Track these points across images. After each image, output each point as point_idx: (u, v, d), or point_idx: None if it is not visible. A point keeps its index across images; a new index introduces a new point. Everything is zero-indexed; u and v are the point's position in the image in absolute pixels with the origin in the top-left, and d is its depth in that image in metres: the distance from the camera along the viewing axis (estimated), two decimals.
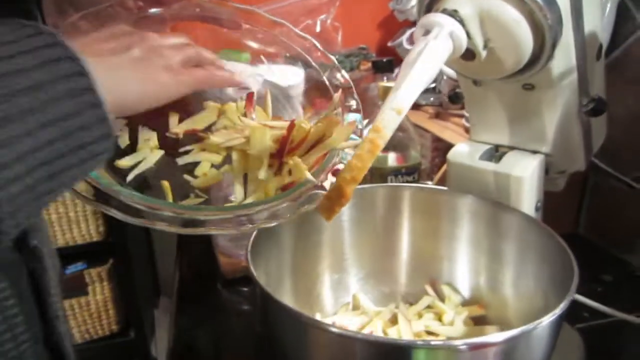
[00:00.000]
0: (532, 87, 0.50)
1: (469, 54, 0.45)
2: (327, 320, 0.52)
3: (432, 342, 0.33)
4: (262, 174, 0.40)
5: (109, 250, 1.36)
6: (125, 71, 0.33)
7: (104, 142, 0.28)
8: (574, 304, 0.37)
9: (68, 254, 1.32)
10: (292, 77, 0.57)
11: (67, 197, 1.26)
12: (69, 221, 1.30)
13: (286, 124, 0.40)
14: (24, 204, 0.25)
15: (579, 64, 0.49)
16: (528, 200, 0.53)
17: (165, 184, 0.41)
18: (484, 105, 0.57)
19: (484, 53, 0.45)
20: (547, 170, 0.57)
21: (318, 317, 0.53)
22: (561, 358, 0.49)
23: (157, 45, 0.35)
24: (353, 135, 0.43)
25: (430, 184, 0.81)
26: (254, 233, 0.44)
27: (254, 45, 0.57)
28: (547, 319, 0.34)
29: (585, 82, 0.50)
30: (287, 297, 0.49)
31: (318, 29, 1.15)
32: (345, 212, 0.54)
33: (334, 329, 0.35)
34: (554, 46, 0.45)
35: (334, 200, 0.34)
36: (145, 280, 1.60)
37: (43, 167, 0.25)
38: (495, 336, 0.33)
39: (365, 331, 0.50)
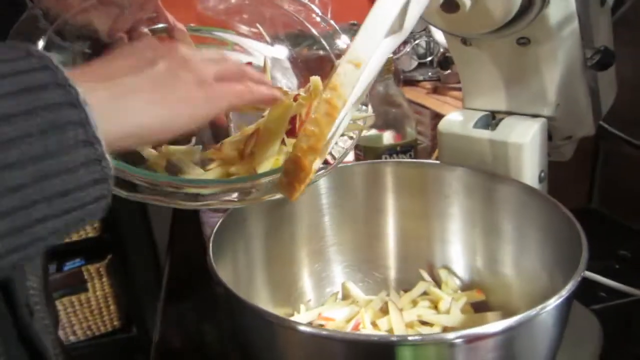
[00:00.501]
0: (528, 41, 0.44)
1: (452, 4, 0.39)
2: (312, 313, 0.47)
3: (410, 338, 0.28)
4: (275, 148, 0.37)
5: (107, 245, 1.34)
6: (143, 94, 0.26)
7: (93, 190, 0.22)
8: (588, 283, 0.32)
9: (65, 251, 1.31)
10: (277, 53, 0.54)
11: None
12: None
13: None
14: None
15: (580, 11, 0.43)
16: (530, 169, 0.47)
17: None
18: (476, 68, 0.51)
19: (467, 2, 0.39)
20: (551, 136, 0.51)
21: (303, 310, 0.48)
22: (576, 343, 0.44)
23: (187, 59, 0.30)
24: None
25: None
26: (217, 226, 0.39)
27: (241, 26, 0.54)
28: (553, 302, 0.29)
29: (588, 31, 0.44)
30: (262, 294, 0.44)
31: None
32: (324, 195, 0.49)
33: (305, 329, 0.30)
34: None
35: (292, 175, 0.29)
36: (146, 275, 1.57)
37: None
38: (491, 326, 0.28)
39: (352, 323, 0.45)
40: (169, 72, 0.28)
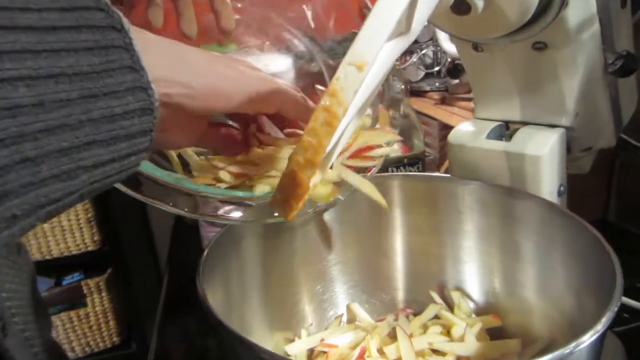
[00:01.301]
0: (545, 45, 0.41)
1: (462, 5, 0.36)
2: (314, 339, 0.44)
3: None
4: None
5: (107, 259, 1.31)
6: (200, 54, 0.26)
7: (139, 121, 0.20)
8: None
9: (64, 265, 1.28)
10: (279, 64, 0.52)
11: None
12: (63, 230, 1.25)
13: None
14: (21, 186, 0.17)
15: (601, 12, 0.39)
16: (548, 183, 0.44)
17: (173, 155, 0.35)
18: (488, 75, 0.48)
19: (480, 3, 0.36)
20: (569, 148, 0.48)
21: (304, 335, 0.45)
22: None
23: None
24: None
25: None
26: (210, 244, 0.36)
27: (246, 38, 0.52)
28: (589, 339, 0.26)
29: (609, 35, 0.41)
30: (257, 319, 0.40)
31: (309, 15, 1.08)
32: (325, 212, 0.45)
33: None
34: None
35: (288, 191, 0.26)
36: (147, 290, 1.54)
37: (53, 155, 0.17)
38: None
39: (357, 351, 0.41)
40: (226, 57, 0.27)
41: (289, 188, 0.26)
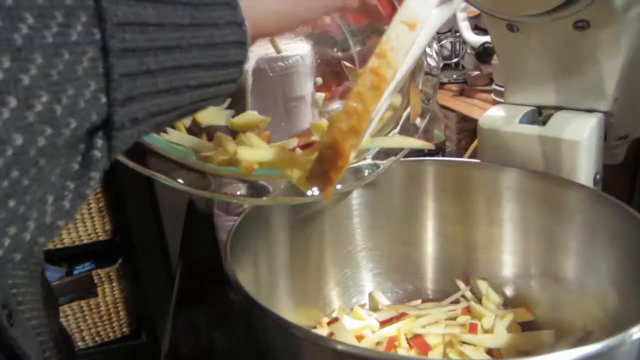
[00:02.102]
0: (587, 24, 0.39)
1: None
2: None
3: None
4: None
5: (118, 249, 1.31)
6: None
7: (234, 52, 0.22)
8: None
9: (75, 254, 1.28)
10: (298, 49, 0.50)
11: None
12: (74, 219, 1.25)
13: None
14: (142, 94, 0.19)
15: None
16: (585, 170, 0.42)
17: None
18: (522, 57, 0.46)
19: None
20: (606, 135, 0.46)
21: (325, 322, 0.43)
22: None
23: None
24: None
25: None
26: (234, 225, 0.35)
27: None
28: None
29: None
30: (284, 301, 0.39)
31: None
32: (355, 195, 0.44)
33: (337, 346, 0.25)
34: None
35: (328, 162, 0.25)
36: (157, 280, 1.54)
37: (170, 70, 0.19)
38: (565, 354, 0.23)
39: (379, 338, 0.40)
40: None
41: (329, 159, 0.25)
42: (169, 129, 0.35)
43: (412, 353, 0.37)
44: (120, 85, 0.17)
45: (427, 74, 0.42)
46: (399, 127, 0.39)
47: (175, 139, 0.34)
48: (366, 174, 0.37)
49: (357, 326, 0.41)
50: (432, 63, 0.40)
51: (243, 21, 0.23)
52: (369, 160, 0.37)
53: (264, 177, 0.34)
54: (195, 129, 0.38)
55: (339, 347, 0.24)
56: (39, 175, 0.16)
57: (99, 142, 0.18)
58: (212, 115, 0.38)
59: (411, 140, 0.37)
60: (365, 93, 0.22)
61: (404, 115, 0.39)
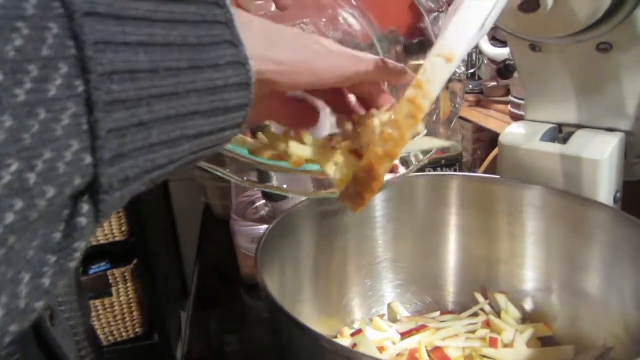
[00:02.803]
0: (610, 47, 0.40)
1: (531, 4, 0.36)
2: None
3: None
4: None
5: (133, 250, 1.33)
6: (293, 34, 0.25)
7: (236, 95, 0.21)
8: None
9: (91, 254, 1.29)
10: None
11: None
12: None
13: None
14: (134, 150, 0.17)
15: None
16: (606, 189, 0.42)
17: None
18: (544, 76, 0.47)
19: (550, 1, 0.35)
20: (626, 153, 0.47)
21: (346, 332, 0.44)
22: None
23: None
24: None
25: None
26: (265, 234, 0.36)
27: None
28: None
29: None
30: (307, 309, 0.40)
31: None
32: (379, 207, 0.45)
33: (363, 359, 0.26)
34: None
35: (362, 184, 0.26)
36: (171, 282, 1.56)
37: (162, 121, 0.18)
38: None
39: (400, 350, 0.41)
40: (312, 33, 0.28)
41: (364, 181, 0.26)
42: None
43: None
44: (108, 143, 0.16)
45: (453, 79, 0.43)
46: (426, 131, 0.40)
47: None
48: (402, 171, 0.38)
49: (378, 338, 0.42)
50: (459, 70, 0.41)
51: (247, 60, 0.21)
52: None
53: (308, 173, 0.36)
54: None
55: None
56: (8, 255, 0.14)
57: (85, 207, 0.16)
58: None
59: (437, 141, 0.38)
60: (402, 121, 0.23)
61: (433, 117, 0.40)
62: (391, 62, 0.30)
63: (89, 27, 0.15)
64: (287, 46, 0.25)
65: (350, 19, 0.49)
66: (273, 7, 0.48)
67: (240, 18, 0.22)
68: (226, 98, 0.20)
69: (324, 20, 0.50)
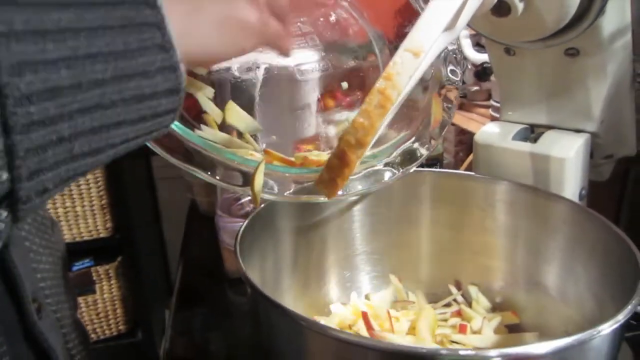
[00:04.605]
0: (577, 52, 0.43)
1: (503, 8, 0.38)
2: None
3: (461, 352, 0.26)
4: None
5: (117, 247, 1.32)
6: (211, 11, 0.25)
7: (166, 101, 0.20)
8: None
9: (74, 250, 1.29)
10: (304, 59, 0.52)
11: (74, 190, 1.23)
12: (76, 216, 1.26)
13: None
14: (54, 163, 0.17)
15: (635, 23, 0.41)
16: (571, 185, 0.45)
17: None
18: (517, 79, 0.49)
19: (520, 6, 0.37)
20: (592, 154, 0.49)
21: (323, 322, 0.46)
22: None
23: None
24: None
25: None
26: (244, 224, 0.38)
27: None
28: (609, 327, 0.27)
29: None
30: (286, 299, 0.42)
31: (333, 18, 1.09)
32: (356, 201, 0.47)
33: (340, 335, 0.28)
34: None
35: (335, 170, 0.28)
36: (155, 279, 1.55)
37: (80, 114, 0.17)
38: (540, 346, 0.26)
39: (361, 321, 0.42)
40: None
41: (337, 168, 0.28)
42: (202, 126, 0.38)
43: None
44: (26, 161, 0.16)
45: (449, 84, 0.45)
46: (414, 137, 0.42)
47: (207, 135, 0.37)
48: (386, 178, 0.40)
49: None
50: (456, 77, 0.43)
51: (178, 65, 0.20)
52: (388, 168, 0.40)
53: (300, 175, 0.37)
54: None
55: (342, 336, 0.27)
56: None
57: (3, 213, 0.16)
58: (238, 117, 0.40)
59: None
60: (372, 111, 0.25)
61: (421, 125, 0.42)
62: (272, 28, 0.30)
63: (4, 50, 0.15)
64: (207, 32, 0.24)
65: (346, 16, 0.51)
66: None
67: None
68: (154, 105, 0.20)
69: (321, 19, 0.51)
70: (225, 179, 0.35)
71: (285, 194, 0.36)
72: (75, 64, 0.16)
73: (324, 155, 0.37)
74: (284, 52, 0.32)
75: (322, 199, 0.36)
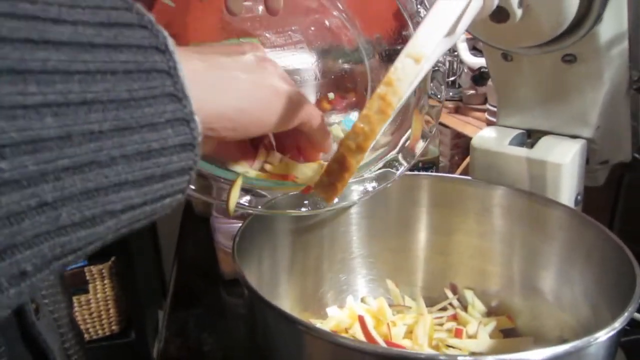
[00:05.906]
0: (574, 58, 0.43)
1: (502, 14, 0.38)
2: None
3: (460, 358, 0.26)
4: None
5: (111, 246, 1.31)
6: (239, 74, 0.23)
7: (177, 158, 0.18)
8: None
9: None
10: (301, 63, 0.52)
11: None
12: None
13: None
14: (34, 237, 0.14)
15: (632, 31, 0.41)
16: (567, 191, 0.45)
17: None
18: (514, 84, 0.50)
19: (519, 12, 0.38)
20: (588, 159, 0.49)
21: (319, 326, 0.46)
22: None
23: (268, 57, 0.27)
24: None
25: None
26: (242, 226, 0.38)
27: (265, 34, 0.53)
28: (605, 335, 0.27)
29: (637, 52, 0.43)
30: (283, 302, 0.42)
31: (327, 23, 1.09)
32: (354, 205, 0.47)
33: (339, 339, 0.28)
34: (604, 4, 0.37)
35: (335, 175, 0.28)
36: (149, 280, 1.55)
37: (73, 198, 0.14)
38: (537, 353, 0.26)
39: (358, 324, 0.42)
40: (257, 61, 0.25)
41: (337, 172, 0.28)
42: None
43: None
44: None
45: (431, 97, 0.45)
46: (397, 149, 0.42)
47: None
48: (370, 188, 0.40)
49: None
50: (439, 94, 0.43)
51: (192, 117, 0.18)
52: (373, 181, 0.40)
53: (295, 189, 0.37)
54: None
55: (340, 340, 0.27)
56: None
57: None
58: None
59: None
60: (373, 116, 0.25)
61: (404, 139, 0.42)
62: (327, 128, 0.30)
63: None
64: (244, 99, 0.23)
65: (337, 24, 0.51)
66: (260, 8, 0.49)
67: (193, 71, 0.19)
68: (164, 162, 0.17)
69: (312, 28, 0.51)
70: (200, 190, 0.34)
71: (259, 207, 0.36)
72: (65, 112, 0.14)
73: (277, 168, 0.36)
74: (315, 134, 0.31)
75: (294, 213, 0.37)
